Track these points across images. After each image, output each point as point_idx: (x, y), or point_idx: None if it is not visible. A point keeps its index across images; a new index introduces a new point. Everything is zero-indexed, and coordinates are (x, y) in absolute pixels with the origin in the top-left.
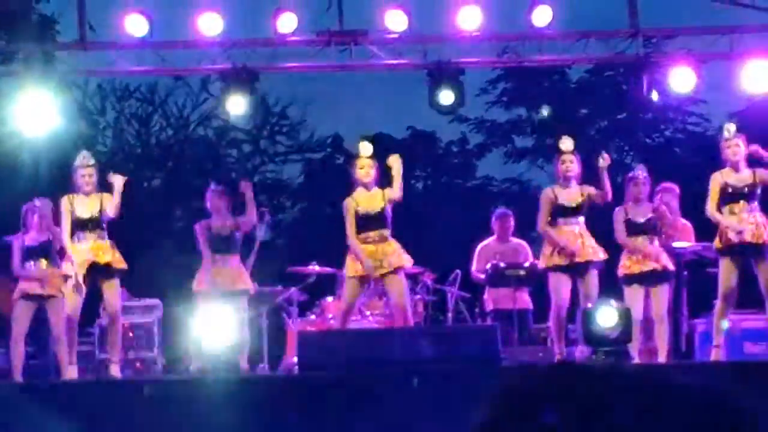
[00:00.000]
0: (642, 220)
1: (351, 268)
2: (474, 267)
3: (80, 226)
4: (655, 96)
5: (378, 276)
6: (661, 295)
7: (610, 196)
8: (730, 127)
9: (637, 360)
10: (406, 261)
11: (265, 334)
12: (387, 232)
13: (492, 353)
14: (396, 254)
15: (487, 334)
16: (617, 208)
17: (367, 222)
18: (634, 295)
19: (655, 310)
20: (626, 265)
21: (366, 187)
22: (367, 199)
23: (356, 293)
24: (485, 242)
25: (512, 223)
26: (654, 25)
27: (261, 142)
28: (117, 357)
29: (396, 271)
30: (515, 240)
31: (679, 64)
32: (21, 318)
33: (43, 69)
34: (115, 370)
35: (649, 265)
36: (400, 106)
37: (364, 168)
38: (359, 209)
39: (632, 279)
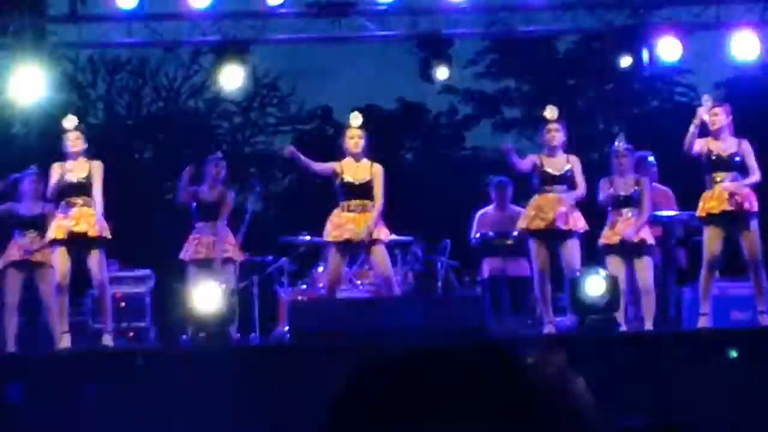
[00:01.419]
0: (624, 193)
1: (330, 233)
2: (473, 234)
3: (67, 191)
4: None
5: (359, 241)
6: (644, 266)
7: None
8: (707, 97)
9: (624, 328)
10: (384, 234)
11: (257, 303)
12: (369, 204)
13: (479, 322)
14: (376, 226)
15: (475, 304)
16: (602, 179)
17: (350, 191)
18: (615, 265)
19: (640, 282)
20: (606, 236)
21: (354, 157)
22: (353, 169)
23: (338, 260)
24: (484, 210)
25: (510, 191)
26: None
27: (251, 114)
28: (109, 326)
29: (375, 242)
30: (515, 208)
31: (665, 35)
32: (12, 287)
33: (34, 42)
34: (107, 340)
35: (636, 236)
36: (389, 78)
37: (354, 138)
38: (344, 177)
39: (612, 249)
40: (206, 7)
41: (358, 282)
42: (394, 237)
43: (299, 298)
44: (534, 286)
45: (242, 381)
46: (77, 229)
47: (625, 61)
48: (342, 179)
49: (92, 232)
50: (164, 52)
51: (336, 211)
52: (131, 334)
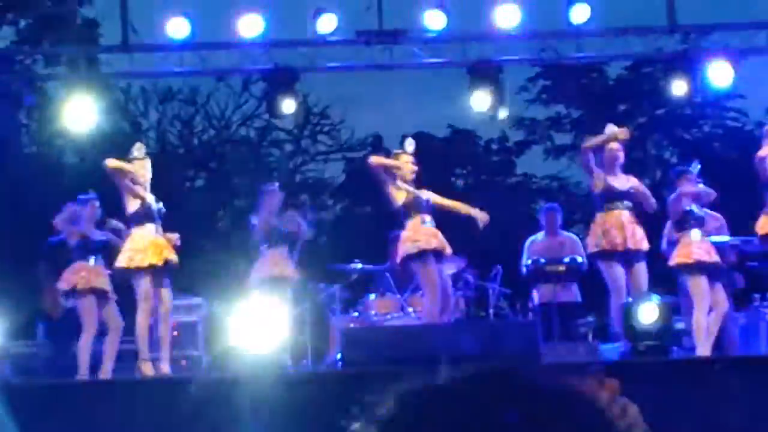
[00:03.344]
0: (703, 213)
1: (420, 242)
2: (524, 261)
3: (153, 217)
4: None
5: (434, 249)
6: (722, 291)
7: (654, 205)
8: None
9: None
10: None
11: (309, 330)
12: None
13: (532, 349)
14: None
15: (527, 330)
16: (677, 196)
17: (424, 206)
18: (704, 284)
19: (720, 307)
20: (698, 253)
21: (409, 184)
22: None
23: (433, 266)
24: (534, 237)
25: (560, 218)
26: (691, 20)
27: (302, 142)
28: (166, 354)
29: (446, 255)
30: (565, 234)
31: (716, 60)
32: (93, 312)
33: (86, 71)
34: (164, 368)
35: (714, 258)
36: (440, 105)
37: (408, 165)
38: (417, 193)
39: (701, 268)
40: (257, 36)
41: (410, 309)
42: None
43: (351, 325)
44: (612, 307)
45: (294, 408)
46: (171, 257)
47: (679, 88)
48: (415, 194)
49: (172, 260)
50: (215, 81)
51: (415, 222)
52: (183, 362)
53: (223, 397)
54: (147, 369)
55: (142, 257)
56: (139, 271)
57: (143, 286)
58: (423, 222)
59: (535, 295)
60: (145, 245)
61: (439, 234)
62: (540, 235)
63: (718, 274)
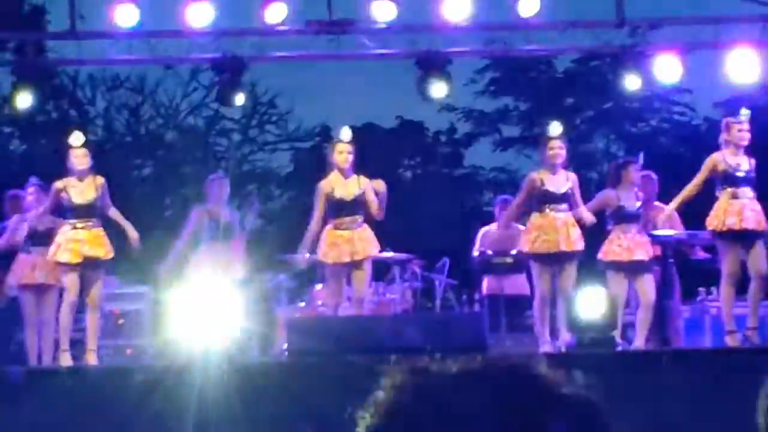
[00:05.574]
0: (634, 209)
1: (327, 254)
2: (474, 250)
3: (76, 212)
4: (632, 85)
5: (348, 261)
6: (650, 283)
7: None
8: (745, 111)
9: (620, 347)
10: (375, 249)
11: (255, 320)
12: (361, 218)
13: (479, 340)
14: (369, 242)
15: (474, 322)
16: (608, 191)
17: (341, 208)
18: (620, 282)
19: (645, 299)
20: (615, 252)
21: (343, 172)
22: (343, 185)
23: (340, 280)
24: (488, 227)
25: None
26: (640, 15)
27: (250, 131)
28: (93, 345)
29: (365, 260)
30: (517, 227)
31: (664, 54)
32: (30, 307)
33: (34, 58)
34: (91, 359)
35: (639, 255)
36: (389, 96)
37: (343, 153)
38: (334, 194)
39: (620, 267)
40: (206, 24)
41: (319, 302)
42: (392, 254)
43: (297, 315)
44: (534, 307)
45: (240, 398)
46: (92, 253)
47: (633, 83)
48: (332, 197)
49: (105, 256)
50: (164, 69)
51: (328, 229)
52: (128, 351)
53: (169, 386)
54: (65, 360)
55: (58, 253)
56: (61, 265)
57: (67, 280)
58: (337, 228)
59: (484, 287)
60: (62, 241)
61: (350, 242)
62: (493, 227)
63: (646, 268)
